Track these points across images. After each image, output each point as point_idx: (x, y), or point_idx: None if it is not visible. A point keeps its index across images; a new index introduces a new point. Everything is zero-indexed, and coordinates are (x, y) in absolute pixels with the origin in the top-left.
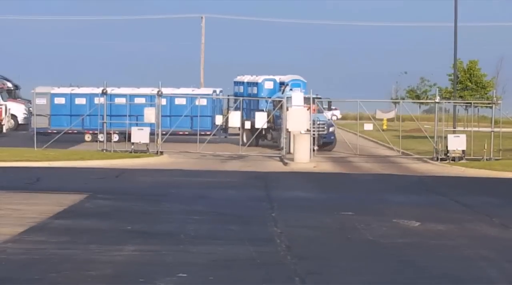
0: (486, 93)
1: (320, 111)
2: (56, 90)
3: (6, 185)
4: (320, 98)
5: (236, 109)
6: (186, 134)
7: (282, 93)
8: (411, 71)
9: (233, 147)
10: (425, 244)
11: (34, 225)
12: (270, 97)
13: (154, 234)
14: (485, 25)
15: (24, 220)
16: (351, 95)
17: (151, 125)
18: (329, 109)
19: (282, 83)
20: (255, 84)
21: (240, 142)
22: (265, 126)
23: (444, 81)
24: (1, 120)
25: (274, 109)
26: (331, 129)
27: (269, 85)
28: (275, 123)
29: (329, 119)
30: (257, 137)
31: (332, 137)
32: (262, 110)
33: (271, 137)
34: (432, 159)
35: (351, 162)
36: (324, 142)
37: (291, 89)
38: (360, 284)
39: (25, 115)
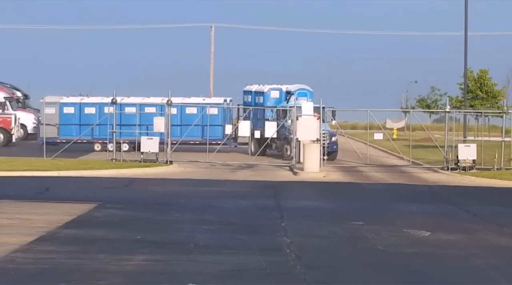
0: (496, 103)
1: (322, 121)
2: (65, 100)
3: (16, 194)
4: (323, 107)
5: (246, 118)
6: (197, 144)
7: (287, 102)
8: (421, 80)
9: (242, 156)
10: (435, 254)
11: (43, 235)
12: (276, 107)
13: (164, 243)
14: (496, 34)
15: (33, 229)
16: (361, 104)
17: (161, 134)
18: (333, 118)
19: (288, 93)
20: (261, 93)
21: (249, 152)
22: (275, 136)
23: (454, 90)
24: (11, 129)
25: (278, 118)
26: (333, 139)
27: (275, 94)
28: (279, 132)
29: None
30: (265, 147)
31: (335, 146)
32: (268, 120)
33: (275, 146)
34: (442, 168)
35: (361, 171)
36: (327, 152)
37: (296, 99)
38: None
39: (35, 125)
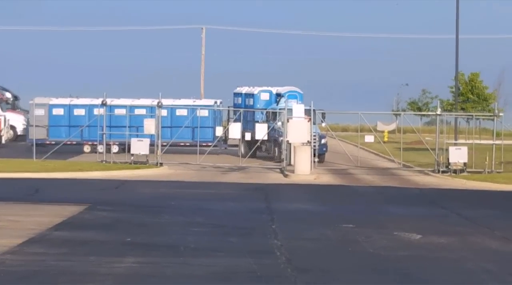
0: (487, 106)
1: (313, 123)
2: (54, 101)
3: (5, 196)
4: (313, 109)
5: (236, 120)
6: (188, 145)
7: (277, 104)
8: (412, 83)
9: (233, 158)
10: (426, 257)
11: (33, 237)
12: (266, 109)
13: (154, 246)
14: (487, 37)
15: (23, 231)
16: (352, 107)
17: (151, 136)
18: (323, 120)
19: (278, 95)
20: (252, 95)
21: (240, 154)
22: (266, 138)
23: (445, 93)
24: (0, 131)
25: (267, 120)
26: (323, 141)
27: (265, 96)
28: (269, 134)
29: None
30: (255, 149)
31: (324, 149)
32: (258, 122)
33: (265, 148)
34: (433, 171)
35: (352, 174)
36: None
37: (286, 101)
38: None
39: (24, 126)
